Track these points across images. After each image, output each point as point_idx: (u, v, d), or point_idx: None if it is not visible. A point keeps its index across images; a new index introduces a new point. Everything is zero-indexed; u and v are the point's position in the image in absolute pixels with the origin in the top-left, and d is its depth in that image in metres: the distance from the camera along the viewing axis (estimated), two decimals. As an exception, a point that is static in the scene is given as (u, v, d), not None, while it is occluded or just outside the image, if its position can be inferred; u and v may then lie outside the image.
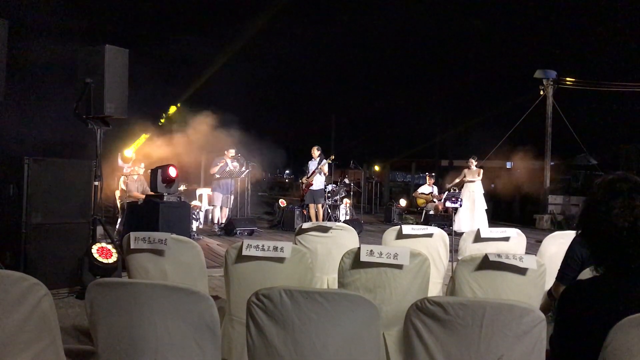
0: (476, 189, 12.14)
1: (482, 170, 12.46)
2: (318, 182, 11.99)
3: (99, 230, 6.29)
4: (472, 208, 11.93)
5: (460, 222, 11.62)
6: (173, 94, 17.28)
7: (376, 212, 19.89)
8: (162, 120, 16.41)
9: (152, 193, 7.89)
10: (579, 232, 1.86)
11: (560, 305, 1.85)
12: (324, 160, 12.00)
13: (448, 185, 13.31)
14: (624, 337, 1.61)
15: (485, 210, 12.28)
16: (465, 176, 12.44)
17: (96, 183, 6.11)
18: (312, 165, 11.99)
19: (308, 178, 11.87)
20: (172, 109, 16.73)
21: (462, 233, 7.22)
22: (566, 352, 1.78)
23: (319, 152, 12.04)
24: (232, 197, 11.75)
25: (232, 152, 11.60)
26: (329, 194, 12.92)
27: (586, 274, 2.69)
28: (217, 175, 11.44)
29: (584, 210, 1.84)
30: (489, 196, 17.80)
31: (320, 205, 12.10)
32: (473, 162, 12.38)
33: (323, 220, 11.82)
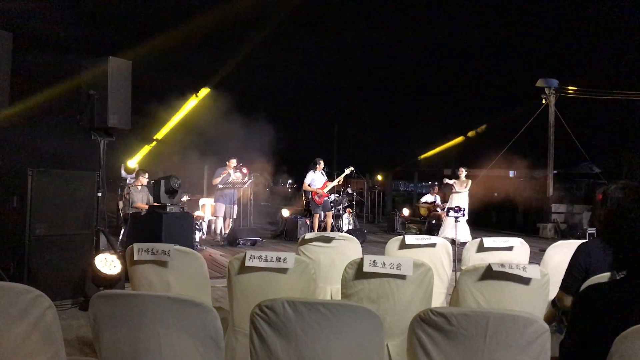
0: (461, 201, 12.12)
1: (470, 182, 12.45)
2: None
3: (102, 241, 6.29)
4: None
5: (445, 230, 11.67)
6: (176, 105, 17.38)
7: (379, 221, 19.87)
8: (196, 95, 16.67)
9: (156, 204, 7.90)
10: (603, 238, 1.89)
11: (576, 306, 1.86)
12: (346, 170, 12.47)
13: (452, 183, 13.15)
14: (630, 346, 1.61)
15: (467, 220, 12.27)
16: (453, 188, 12.43)
17: (99, 194, 6.12)
18: (317, 176, 12.06)
19: (321, 188, 11.98)
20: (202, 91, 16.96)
21: (452, 240, 7.27)
22: (579, 353, 1.78)
23: (322, 165, 12.23)
24: (235, 207, 11.78)
25: (233, 162, 11.61)
26: (332, 204, 12.97)
27: (592, 282, 2.69)
28: (220, 186, 11.44)
29: (609, 217, 1.86)
30: (492, 205, 17.82)
31: (330, 214, 12.34)
32: (463, 172, 12.41)
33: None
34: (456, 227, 7.79)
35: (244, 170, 11.82)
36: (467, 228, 11.85)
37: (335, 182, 12.25)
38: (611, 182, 1.91)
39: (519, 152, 17.81)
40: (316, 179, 12.08)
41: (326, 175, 12.37)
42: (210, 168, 13.16)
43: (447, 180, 12.69)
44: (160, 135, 17.44)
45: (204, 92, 17.35)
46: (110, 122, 6.01)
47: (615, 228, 1.82)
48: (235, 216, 11.83)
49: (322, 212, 12.26)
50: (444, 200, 14.76)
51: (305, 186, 12.24)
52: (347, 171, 12.52)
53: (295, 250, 4.45)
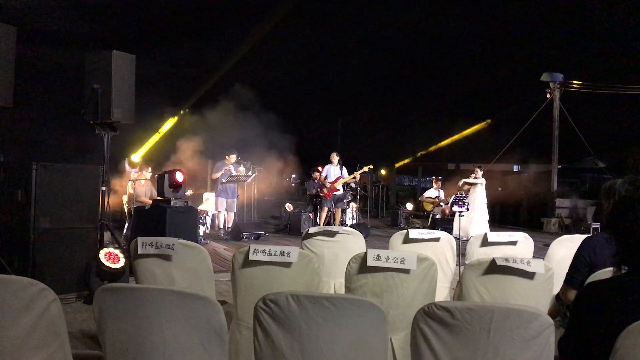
0: (477, 195, 11.99)
1: (484, 180, 12.34)
2: (340, 187, 12.24)
3: (107, 235, 6.31)
4: (471, 215, 11.72)
5: (459, 228, 11.55)
6: (179, 99, 17.38)
7: (383, 216, 19.87)
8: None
9: (160, 198, 7.92)
10: (609, 230, 1.88)
11: (577, 302, 1.85)
12: (364, 168, 12.35)
13: (460, 184, 12.96)
14: (634, 342, 1.60)
15: (488, 220, 12.10)
16: (468, 184, 12.31)
17: (103, 188, 6.14)
18: (332, 169, 12.04)
19: (333, 182, 11.92)
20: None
21: (459, 238, 7.21)
22: (579, 350, 1.77)
23: (338, 158, 12.16)
24: (237, 200, 11.78)
25: (233, 157, 11.54)
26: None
27: (596, 277, 2.68)
28: (224, 180, 11.43)
29: (615, 210, 1.85)
30: (496, 199, 17.77)
31: (339, 209, 12.29)
32: (479, 172, 12.24)
33: (332, 224, 11.89)
34: (460, 221, 7.77)
35: (246, 164, 11.80)
36: (486, 226, 11.68)
37: (349, 178, 12.17)
38: (617, 176, 1.90)
39: (523, 146, 17.75)
40: (331, 172, 12.07)
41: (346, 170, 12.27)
42: (214, 162, 13.16)
43: (463, 182, 12.55)
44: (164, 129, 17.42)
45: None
46: (114, 116, 6.03)
47: (621, 219, 1.81)
48: (235, 209, 11.83)
49: (333, 207, 12.20)
50: (449, 194, 14.72)
51: (322, 179, 12.25)
52: (365, 169, 12.46)
53: (298, 244, 4.46)
